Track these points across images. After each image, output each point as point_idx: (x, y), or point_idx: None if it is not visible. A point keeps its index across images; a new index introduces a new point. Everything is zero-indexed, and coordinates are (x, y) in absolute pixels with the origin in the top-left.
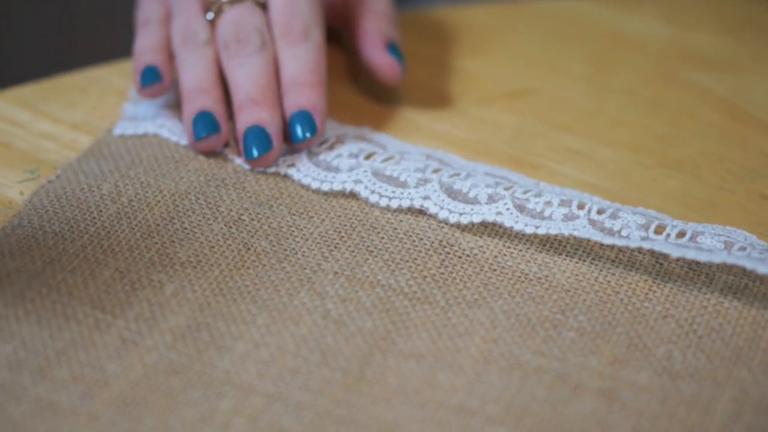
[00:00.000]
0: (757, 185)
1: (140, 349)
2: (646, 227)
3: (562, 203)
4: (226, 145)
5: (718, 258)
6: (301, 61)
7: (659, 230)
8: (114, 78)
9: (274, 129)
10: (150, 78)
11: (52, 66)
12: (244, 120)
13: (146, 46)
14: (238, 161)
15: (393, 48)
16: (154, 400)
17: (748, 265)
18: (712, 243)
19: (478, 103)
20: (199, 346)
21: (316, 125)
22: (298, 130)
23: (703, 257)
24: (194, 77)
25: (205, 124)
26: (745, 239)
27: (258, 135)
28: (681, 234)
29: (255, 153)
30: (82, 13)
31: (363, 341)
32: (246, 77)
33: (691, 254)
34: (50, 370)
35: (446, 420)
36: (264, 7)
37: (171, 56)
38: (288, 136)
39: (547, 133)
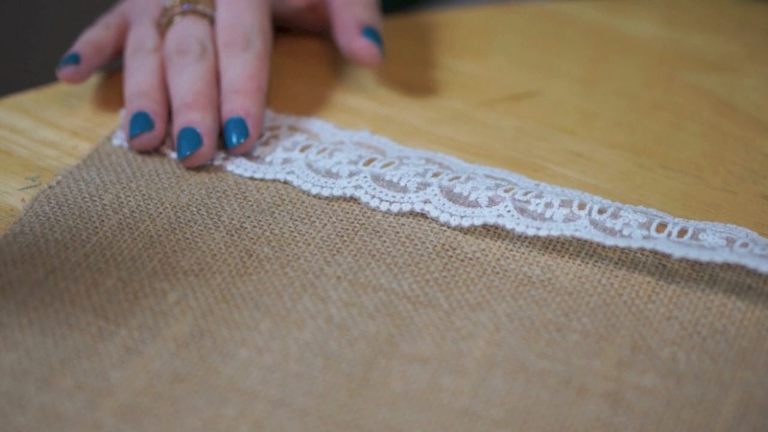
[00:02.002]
0: (758, 186)
1: (144, 357)
2: (647, 226)
3: (563, 204)
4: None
5: (720, 257)
6: (239, 70)
7: (661, 228)
8: (113, 85)
9: (204, 128)
10: (69, 61)
11: (51, 73)
12: (177, 123)
13: (86, 39)
14: (238, 171)
15: (369, 31)
16: (158, 407)
17: (751, 263)
18: (714, 240)
19: (479, 106)
20: (203, 353)
21: (249, 130)
22: (232, 136)
23: (705, 257)
24: (135, 82)
25: (138, 122)
26: (747, 236)
27: (188, 134)
28: (683, 232)
29: (186, 151)
30: (82, 20)
31: (366, 346)
32: (182, 84)
33: (693, 254)
34: (54, 378)
35: (451, 424)
36: (212, 19)
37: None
38: (224, 141)
39: (547, 135)
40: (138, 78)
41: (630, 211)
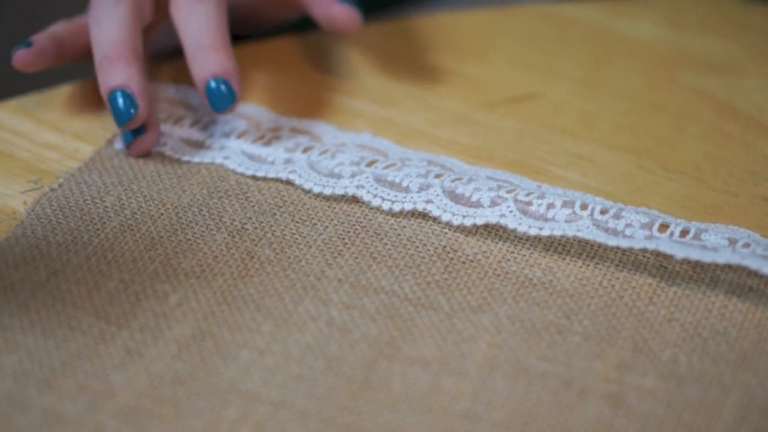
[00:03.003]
0: (759, 188)
1: (145, 359)
2: (649, 226)
3: (565, 204)
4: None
5: (722, 258)
6: (203, 22)
7: (663, 229)
8: None
9: (136, 88)
10: (20, 45)
11: (53, 76)
12: (104, 83)
13: (44, 31)
14: (239, 170)
15: None
16: (159, 409)
17: (753, 264)
18: (716, 240)
19: (480, 108)
20: (204, 354)
21: (234, 90)
22: (218, 99)
23: (707, 258)
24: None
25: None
26: (749, 237)
27: (124, 98)
28: (685, 232)
29: (125, 118)
30: None
31: (368, 348)
32: (99, 34)
33: (695, 255)
34: (56, 380)
35: (452, 426)
36: None
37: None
38: (206, 103)
39: (549, 137)
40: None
41: (632, 211)
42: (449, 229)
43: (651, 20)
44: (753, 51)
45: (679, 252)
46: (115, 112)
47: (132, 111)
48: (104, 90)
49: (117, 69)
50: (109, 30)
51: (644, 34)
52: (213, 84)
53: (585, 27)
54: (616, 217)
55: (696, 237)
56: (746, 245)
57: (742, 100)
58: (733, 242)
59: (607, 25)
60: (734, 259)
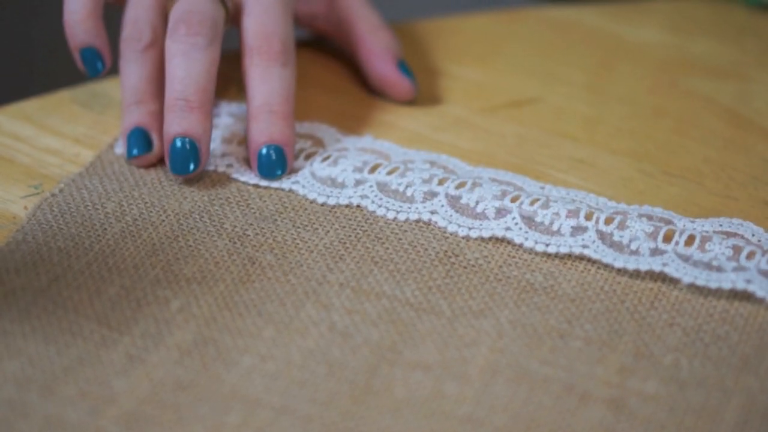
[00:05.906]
0: (760, 192)
1: (147, 365)
2: (654, 236)
3: (570, 214)
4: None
5: (727, 282)
6: (276, 87)
7: (668, 239)
8: (115, 92)
9: (204, 145)
10: (93, 70)
11: (54, 80)
12: (175, 125)
13: (77, 12)
14: (242, 179)
15: (403, 65)
16: (161, 415)
17: (759, 292)
18: (720, 249)
19: (481, 112)
20: (206, 360)
21: (287, 161)
22: (272, 167)
23: (713, 283)
24: (132, 87)
25: (136, 142)
26: (753, 234)
27: (189, 148)
28: (690, 240)
29: (182, 170)
30: None
31: (369, 353)
32: (185, 71)
33: (702, 280)
34: (57, 386)
35: (454, 430)
36: (227, 10)
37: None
38: (255, 165)
39: (550, 141)
40: (134, 82)
41: (636, 217)
42: (450, 234)
43: (653, 25)
44: (755, 56)
45: (686, 277)
46: (175, 158)
47: (192, 166)
48: (172, 131)
49: (194, 118)
50: (197, 72)
51: (646, 38)
52: (265, 151)
53: (587, 31)
54: (621, 227)
55: (701, 247)
56: (751, 254)
57: (743, 105)
58: (737, 251)
59: (610, 30)
60: (740, 285)
